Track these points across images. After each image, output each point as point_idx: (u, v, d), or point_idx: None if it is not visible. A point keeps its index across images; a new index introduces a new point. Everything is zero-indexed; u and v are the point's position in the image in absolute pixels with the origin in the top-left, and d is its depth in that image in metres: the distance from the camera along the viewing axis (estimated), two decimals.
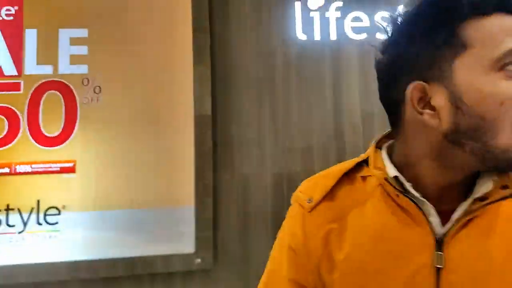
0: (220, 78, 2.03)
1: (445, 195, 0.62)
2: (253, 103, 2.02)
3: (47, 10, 2.05)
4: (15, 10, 2.03)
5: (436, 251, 0.59)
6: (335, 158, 1.95)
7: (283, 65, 2.04)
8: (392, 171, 0.64)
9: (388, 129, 0.72)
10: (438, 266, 0.58)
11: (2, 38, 2.02)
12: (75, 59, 2.03)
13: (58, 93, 2.00)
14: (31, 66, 2.02)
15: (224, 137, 2.00)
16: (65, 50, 2.03)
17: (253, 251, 1.92)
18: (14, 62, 2.01)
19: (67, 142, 1.98)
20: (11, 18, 2.03)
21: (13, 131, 1.97)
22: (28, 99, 1.99)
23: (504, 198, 0.59)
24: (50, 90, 2.00)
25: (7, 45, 2.02)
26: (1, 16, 2.02)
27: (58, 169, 1.98)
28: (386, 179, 0.64)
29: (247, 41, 2.05)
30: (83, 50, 2.03)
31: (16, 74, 2.01)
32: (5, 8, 2.03)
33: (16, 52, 2.02)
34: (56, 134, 1.98)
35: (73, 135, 1.99)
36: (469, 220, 0.59)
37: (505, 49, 0.56)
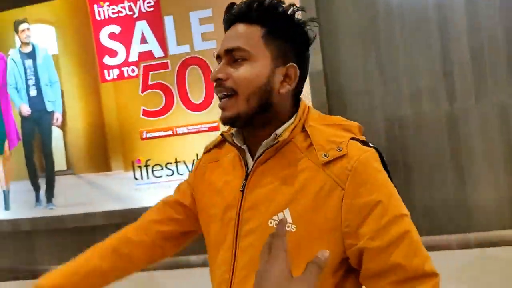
0: (326, 34, 2.21)
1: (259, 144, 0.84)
2: (358, 51, 2.18)
3: None
4: (154, 1, 2.45)
5: (244, 180, 0.84)
6: (446, 98, 2.05)
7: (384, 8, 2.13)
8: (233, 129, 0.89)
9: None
10: (241, 190, 0.83)
11: (148, 27, 2.48)
12: (205, 36, 2.41)
13: (197, 67, 2.43)
14: (173, 47, 2.46)
15: (336, 88, 2.23)
16: (196, 30, 2.41)
17: None
18: (160, 45, 2.48)
19: (210, 106, 2.44)
20: (152, 9, 2.46)
21: (169, 102, 2.49)
22: (175, 75, 2.47)
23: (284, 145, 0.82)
24: (191, 65, 2.44)
25: (153, 33, 2.48)
26: (144, 9, 2.47)
27: (207, 128, 2.46)
28: (230, 135, 0.88)
29: None
30: (210, 27, 2.39)
31: (163, 55, 2.48)
32: (146, 1, 2.46)
33: (160, 37, 2.47)
34: (200, 101, 2.45)
35: (213, 100, 2.43)
36: (266, 160, 0.82)
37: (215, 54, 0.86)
